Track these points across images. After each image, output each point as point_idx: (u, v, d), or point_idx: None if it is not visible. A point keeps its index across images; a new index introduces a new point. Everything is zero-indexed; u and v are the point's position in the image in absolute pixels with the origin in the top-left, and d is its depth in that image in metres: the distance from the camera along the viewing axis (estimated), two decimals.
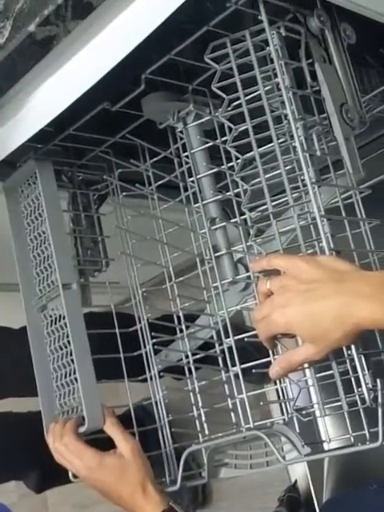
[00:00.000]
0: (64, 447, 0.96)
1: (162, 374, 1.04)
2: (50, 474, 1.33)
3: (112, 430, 0.97)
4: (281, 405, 0.90)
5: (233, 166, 0.96)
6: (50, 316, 1.02)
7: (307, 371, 0.80)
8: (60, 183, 1.12)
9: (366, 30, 0.92)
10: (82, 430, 0.95)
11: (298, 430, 0.88)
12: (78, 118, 1.01)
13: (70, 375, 0.97)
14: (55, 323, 1.00)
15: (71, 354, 0.97)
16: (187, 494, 1.75)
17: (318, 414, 0.79)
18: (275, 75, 0.84)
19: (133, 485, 0.93)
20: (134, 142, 1.08)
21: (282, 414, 0.91)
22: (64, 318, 0.98)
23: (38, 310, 1.04)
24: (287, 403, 0.87)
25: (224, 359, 0.97)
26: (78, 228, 1.14)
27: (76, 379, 0.96)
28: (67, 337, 0.98)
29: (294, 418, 0.87)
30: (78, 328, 0.98)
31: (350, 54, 0.90)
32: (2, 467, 1.50)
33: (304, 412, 0.85)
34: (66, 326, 0.98)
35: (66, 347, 0.98)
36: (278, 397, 0.91)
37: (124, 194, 1.11)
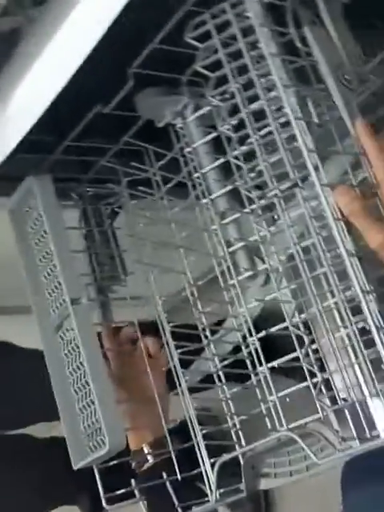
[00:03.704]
0: None
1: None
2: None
3: None
4: (315, 402, 0.81)
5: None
6: (66, 336, 0.97)
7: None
8: (68, 203, 1.08)
9: None
10: (102, 452, 0.89)
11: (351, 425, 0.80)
12: (73, 127, 0.97)
13: (89, 396, 0.91)
14: (71, 343, 0.95)
15: (86, 375, 0.91)
16: (248, 504, 1.65)
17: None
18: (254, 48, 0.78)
19: None
20: (139, 146, 1.03)
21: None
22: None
23: (53, 330, 0.99)
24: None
25: (252, 361, 0.90)
26: (92, 244, 1.09)
27: (93, 401, 0.90)
28: (82, 356, 0.92)
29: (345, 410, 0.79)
30: (91, 345, 0.92)
31: (353, 16, 0.83)
32: (53, 492, 1.47)
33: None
34: (79, 345, 0.92)
35: (82, 367, 0.93)
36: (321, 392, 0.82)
37: (134, 201, 1.06)
